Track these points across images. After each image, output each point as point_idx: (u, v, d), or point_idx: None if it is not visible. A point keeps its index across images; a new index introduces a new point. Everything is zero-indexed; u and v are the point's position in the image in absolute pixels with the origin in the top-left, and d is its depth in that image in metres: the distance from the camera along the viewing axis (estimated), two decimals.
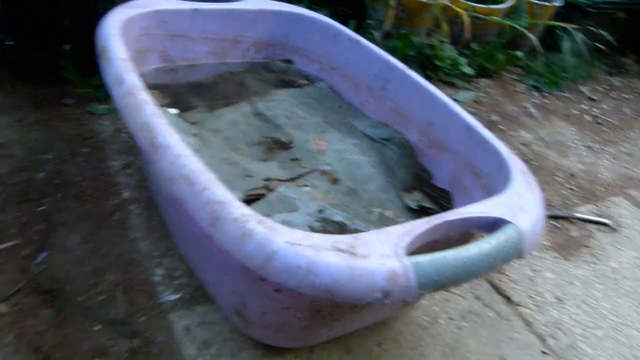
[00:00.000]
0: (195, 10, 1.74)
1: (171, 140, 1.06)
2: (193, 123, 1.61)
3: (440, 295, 1.62)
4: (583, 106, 3.18)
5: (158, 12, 1.67)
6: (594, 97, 3.33)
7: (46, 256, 1.44)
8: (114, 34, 1.40)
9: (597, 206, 2.26)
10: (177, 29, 1.75)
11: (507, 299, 1.68)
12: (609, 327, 1.66)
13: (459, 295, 1.64)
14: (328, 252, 0.87)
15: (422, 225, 0.99)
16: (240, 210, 0.93)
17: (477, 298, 1.65)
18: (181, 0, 1.75)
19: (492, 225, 1.06)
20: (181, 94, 1.74)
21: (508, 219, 1.05)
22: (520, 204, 1.11)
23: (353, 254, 0.88)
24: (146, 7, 1.64)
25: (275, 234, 0.89)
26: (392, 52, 2.38)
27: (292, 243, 0.88)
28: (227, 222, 0.91)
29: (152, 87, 1.68)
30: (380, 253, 0.90)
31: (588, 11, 3.60)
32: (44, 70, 2.16)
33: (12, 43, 2.01)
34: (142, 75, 1.46)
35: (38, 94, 2.02)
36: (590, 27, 3.49)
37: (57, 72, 2.03)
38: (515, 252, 1.01)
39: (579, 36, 3.33)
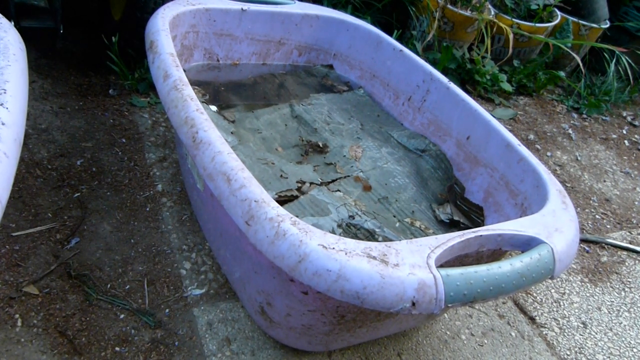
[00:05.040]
0: (244, 10, 1.76)
1: (213, 137, 1.08)
2: (232, 121, 1.62)
3: (463, 310, 1.61)
4: (623, 131, 3.13)
5: (208, 10, 1.69)
6: (635, 122, 3.28)
7: (78, 242, 1.46)
8: (163, 29, 1.42)
9: (630, 233, 2.22)
10: (225, 28, 1.78)
11: (531, 319, 1.66)
12: (634, 357, 1.63)
13: (482, 312, 1.63)
14: (360, 258, 0.88)
15: (455, 238, 0.98)
16: (275, 210, 0.93)
17: (501, 316, 1.63)
18: (230, 0, 1.78)
19: (526, 243, 1.05)
20: (222, 91, 1.76)
21: (542, 238, 1.04)
22: (555, 224, 1.10)
23: (384, 261, 0.88)
24: (196, 4, 1.66)
25: (309, 236, 0.89)
26: (433, 64, 2.38)
27: (324, 246, 0.88)
28: (262, 221, 0.92)
29: (194, 83, 1.71)
30: (411, 263, 0.90)
31: (636, 35, 3.54)
32: (91, 60, 2.20)
33: (62, 32, 2.05)
34: (186, 71, 1.48)
35: (83, 83, 2.06)
36: (638, 52, 3.43)
37: (104, 63, 2.07)
38: (547, 272, 1.00)
39: (625, 60, 3.28)
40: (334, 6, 2.60)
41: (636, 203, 2.45)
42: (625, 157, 2.85)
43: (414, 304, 0.87)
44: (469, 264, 0.96)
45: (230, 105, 1.72)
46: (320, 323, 1.13)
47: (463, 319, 1.58)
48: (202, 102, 1.61)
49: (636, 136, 3.12)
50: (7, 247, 1.39)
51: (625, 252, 2.09)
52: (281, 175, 1.46)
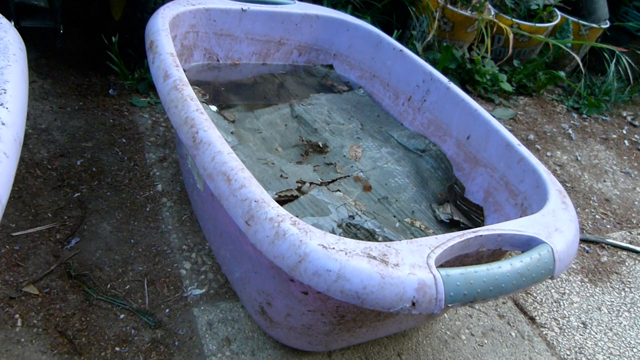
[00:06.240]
0: (244, 10, 1.76)
1: (213, 137, 1.08)
2: (232, 121, 1.62)
3: (463, 310, 1.61)
4: (623, 131, 3.13)
5: (208, 10, 1.69)
6: (635, 122, 3.28)
7: (78, 242, 1.46)
8: (163, 29, 1.42)
9: (630, 233, 2.22)
10: (225, 28, 1.78)
11: (531, 319, 1.66)
12: (634, 357, 1.63)
13: (482, 312, 1.63)
14: (360, 258, 0.88)
15: (455, 238, 0.98)
16: (275, 210, 0.93)
17: (501, 316, 1.63)
18: (230, 0, 1.78)
19: (526, 243, 1.05)
20: (222, 91, 1.76)
21: (542, 238, 1.04)
22: (555, 224, 1.10)
23: (384, 261, 0.88)
24: (196, 4, 1.66)
25: (309, 236, 0.89)
26: (433, 64, 2.38)
27: (325, 246, 0.88)
28: (262, 221, 0.92)
29: (194, 83, 1.71)
30: (411, 263, 0.90)
31: (636, 35, 3.54)
32: (91, 60, 2.20)
33: (62, 32, 2.05)
34: (186, 71, 1.48)
35: (83, 83, 2.06)
36: (638, 52, 3.43)
37: (104, 63, 2.07)
38: (547, 272, 1.00)
39: (625, 60, 3.28)
40: (334, 6, 2.60)
41: (636, 203, 2.45)
42: (625, 157, 2.85)
43: (414, 304, 0.87)
44: (469, 264, 0.96)
45: (230, 105, 1.72)
46: (320, 323, 1.13)
47: (463, 319, 1.58)
48: (202, 102, 1.61)
49: (636, 136, 3.12)
50: (7, 247, 1.39)
51: (625, 252, 2.09)
52: (281, 175, 1.46)
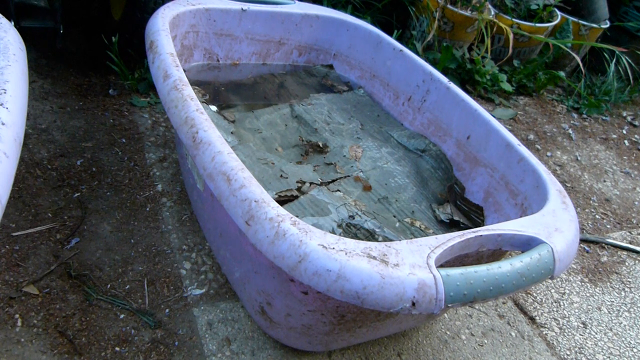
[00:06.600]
0: (244, 10, 1.76)
1: (213, 137, 1.08)
2: (232, 121, 1.62)
3: (463, 310, 1.61)
4: (623, 131, 3.13)
5: (208, 10, 1.69)
6: (635, 122, 3.28)
7: (78, 242, 1.46)
8: (163, 29, 1.42)
9: (630, 233, 2.22)
10: (225, 28, 1.78)
11: (531, 319, 1.66)
12: (634, 357, 1.63)
13: (482, 312, 1.62)
14: (360, 258, 0.88)
15: (455, 238, 0.98)
16: (275, 210, 0.93)
17: (501, 316, 1.63)
18: (230, 0, 1.78)
19: (526, 243, 1.05)
20: (222, 91, 1.76)
21: (542, 238, 1.04)
22: (555, 224, 1.10)
23: (384, 261, 0.88)
24: (196, 4, 1.66)
25: (309, 236, 0.89)
26: (433, 64, 2.38)
27: (325, 246, 0.88)
28: (262, 221, 0.92)
29: (194, 83, 1.71)
30: (410, 263, 0.90)
31: (636, 35, 3.54)
32: (91, 60, 2.20)
33: (62, 32, 2.05)
34: (186, 71, 1.48)
35: (83, 83, 2.06)
36: (638, 52, 3.43)
37: (104, 63, 2.07)
38: (547, 272, 1.00)
39: (625, 60, 3.28)
40: (334, 6, 2.60)
41: (636, 203, 2.45)
42: (625, 157, 2.85)
43: (414, 304, 0.87)
44: (469, 264, 0.96)
45: (230, 105, 1.72)
46: (320, 323, 1.13)
47: (463, 319, 1.58)
48: (202, 102, 1.61)
49: (636, 136, 3.12)
50: (7, 247, 1.39)
51: (625, 252, 2.09)
52: (281, 175, 1.46)
